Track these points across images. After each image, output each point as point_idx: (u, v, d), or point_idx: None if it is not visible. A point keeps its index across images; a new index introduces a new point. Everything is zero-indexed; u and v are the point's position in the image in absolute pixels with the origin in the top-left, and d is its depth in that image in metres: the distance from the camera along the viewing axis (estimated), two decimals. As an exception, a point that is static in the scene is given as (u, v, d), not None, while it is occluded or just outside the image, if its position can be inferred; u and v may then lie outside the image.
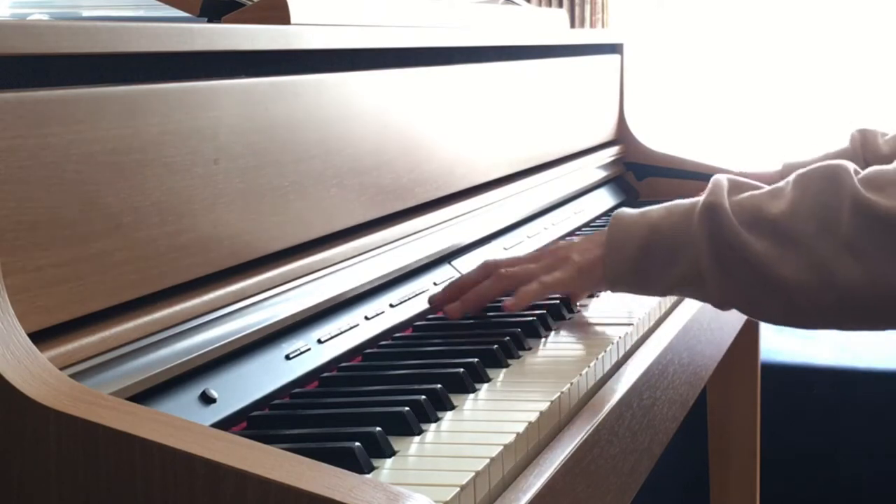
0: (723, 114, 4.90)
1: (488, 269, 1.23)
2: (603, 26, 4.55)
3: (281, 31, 1.07)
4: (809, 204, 1.08)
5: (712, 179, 1.16)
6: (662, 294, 1.20)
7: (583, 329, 1.22)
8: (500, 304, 1.28)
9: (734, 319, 1.68)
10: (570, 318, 1.25)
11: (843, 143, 1.68)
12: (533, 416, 0.91)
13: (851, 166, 1.10)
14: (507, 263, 1.24)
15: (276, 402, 0.95)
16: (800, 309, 1.09)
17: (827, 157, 1.61)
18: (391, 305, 1.17)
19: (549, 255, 1.24)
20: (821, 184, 1.09)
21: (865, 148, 1.61)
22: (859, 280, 1.06)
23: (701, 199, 1.13)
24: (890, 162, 1.12)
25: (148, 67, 0.89)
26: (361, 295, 1.14)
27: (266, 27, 1.05)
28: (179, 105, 0.91)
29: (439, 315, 1.24)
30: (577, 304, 1.29)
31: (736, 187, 1.14)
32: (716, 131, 4.82)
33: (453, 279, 1.27)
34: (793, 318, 1.13)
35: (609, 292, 1.25)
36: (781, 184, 1.12)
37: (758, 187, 1.14)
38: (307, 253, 1.07)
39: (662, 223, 1.15)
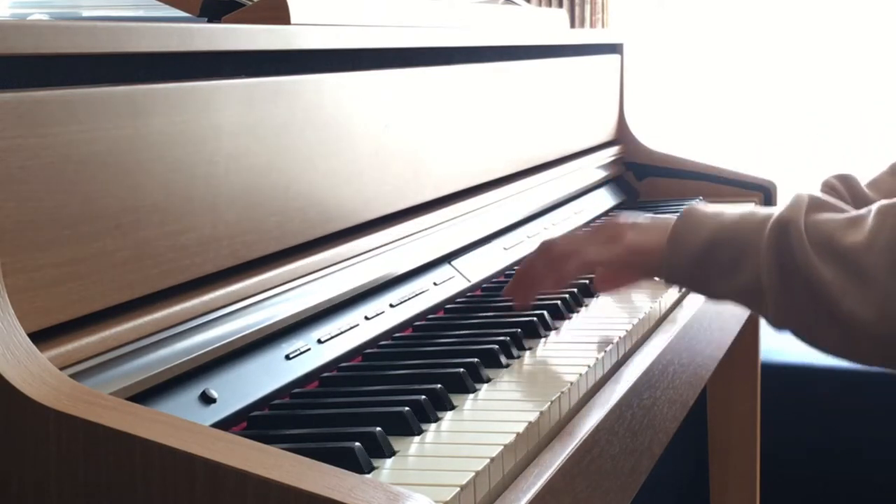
0: (723, 114, 4.90)
1: (543, 250, 1.22)
2: (603, 26, 4.55)
3: (281, 31, 1.07)
4: (886, 239, 1.03)
5: (794, 195, 1.11)
6: (718, 298, 1.15)
7: (583, 329, 1.22)
8: (500, 304, 1.28)
9: (734, 319, 1.68)
10: (570, 318, 1.25)
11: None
12: (533, 416, 0.91)
13: None
14: (561, 241, 1.22)
15: (276, 402, 0.95)
16: (857, 343, 1.05)
17: None
18: (391, 305, 1.17)
19: (601, 231, 1.20)
20: None
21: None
22: None
23: (777, 211, 1.09)
24: None
25: (148, 67, 0.89)
26: (361, 295, 1.14)
27: (266, 27, 1.05)
28: (179, 105, 0.91)
29: (439, 315, 1.24)
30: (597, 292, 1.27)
31: (816, 206, 1.09)
32: (716, 131, 4.82)
33: (517, 269, 1.25)
34: (847, 352, 1.09)
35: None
36: (863, 211, 1.08)
37: (840, 209, 1.10)
38: (307, 253, 1.07)
39: (733, 227, 1.10)
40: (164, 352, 0.86)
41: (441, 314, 1.25)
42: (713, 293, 1.14)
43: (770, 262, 1.07)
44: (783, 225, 1.07)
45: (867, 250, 1.03)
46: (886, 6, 4.68)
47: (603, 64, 2.06)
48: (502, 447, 0.84)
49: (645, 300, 1.32)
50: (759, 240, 1.08)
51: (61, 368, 0.74)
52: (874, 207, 1.07)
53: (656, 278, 1.21)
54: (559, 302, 1.25)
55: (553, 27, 2.00)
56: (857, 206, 1.48)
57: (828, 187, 1.52)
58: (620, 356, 1.16)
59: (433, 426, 0.90)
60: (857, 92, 4.73)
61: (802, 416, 2.35)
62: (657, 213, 1.70)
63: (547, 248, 1.22)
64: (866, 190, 1.50)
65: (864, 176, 1.52)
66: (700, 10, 4.91)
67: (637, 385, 1.10)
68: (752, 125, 4.87)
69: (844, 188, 1.50)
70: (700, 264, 1.11)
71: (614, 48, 2.13)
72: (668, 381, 1.23)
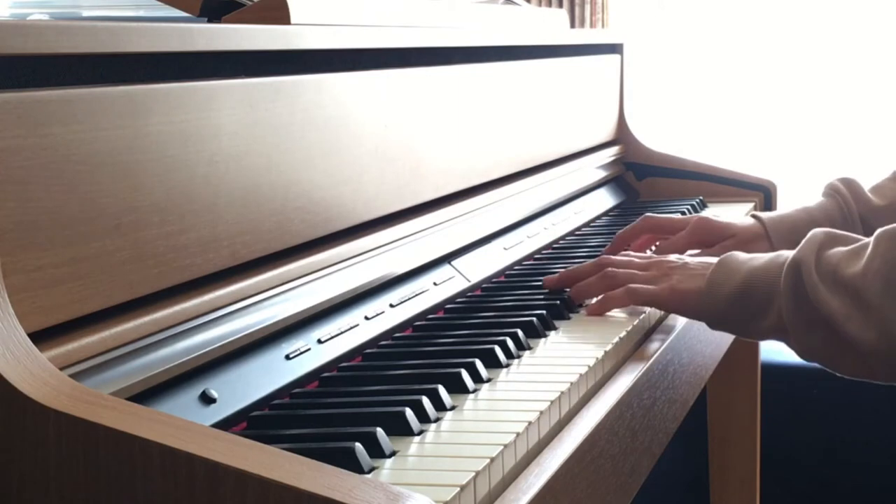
0: (723, 114, 4.90)
1: (600, 264, 1.29)
2: (603, 26, 4.55)
3: (281, 31, 1.07)
4: (878, 265, 1.10)
5: (810, 233, 1.18)
6: (755, 339, 1.25)
7: (583, 329, 1.22)
8: (500, 304, 1.28)
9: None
10: (570, 319, 1.25)
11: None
12: (533, 416, 0.91)
13: None
14: (618, 263, 1.29)
15: (276, 402, 0.95)
16: (870, 366, 1.12)
17: None
18: (391, 305, 1.17)
19: (656, 266, 1.27)
20: (888, 244, 1.10)
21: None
22: None
23: (793, 253, 1.16)
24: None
25: (148, 67, 0.89)
26: (361, 295, 1.14)
27: (266, 27, 1.05)
28: (179, 105, 0.91)
29: (439, 315, 1.24)
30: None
31: (830, 241, 1.16)
32: (716, 132, 4.82)
33: (569, 268, 1.32)
34: (866, 375, 1.15)
35: None
36: (867, 240, 1.14)
37: (855, 240, 1.16)
38: (307, 253, 1.07)
39: (760, 271, 1.18)
40: (164, 352, 0.86)
41: (441, 314, 1.25)
42: (750, 334, 1.22)
43: (787, 301, 1.15)
44: (796, 264, 1.15)
45: (863, 276, 1.10)
46: (886, 6, 4.68)
47: (603, 64, 2.06)
48: (502, 447, 0.84)
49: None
50: (779, 281, 1.16)
51: (61, 368, 0.74)
52: (874, 235, 1.13)
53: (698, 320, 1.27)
54: (559, 302, 1.25)
55: (553, 27, 2.00)
56: (861, 210, 1.49)
57: (831, 190, 1.52)
58: (620, 356, 1.16)
59: (433, 426, 0.90)
60: (857, 92, 4.74)
61: (802, 416, 2.35)
62: (657, 213, 1.71)
63: (602, 265, 1.29)
64: (869, 195, 1.51)
65: (868, 180, 1.53)
66: (700, 11, 4.92)
67: (637, 385, 1.10)
68: (752, 125, 4.87)
69: (848, 192, 1.51)
70: (734, 309, 1.19)
71: (614, 48, 2.13)
72: (668, 381, 1.23)
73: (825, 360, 1.16)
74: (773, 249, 1.47)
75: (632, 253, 1.37)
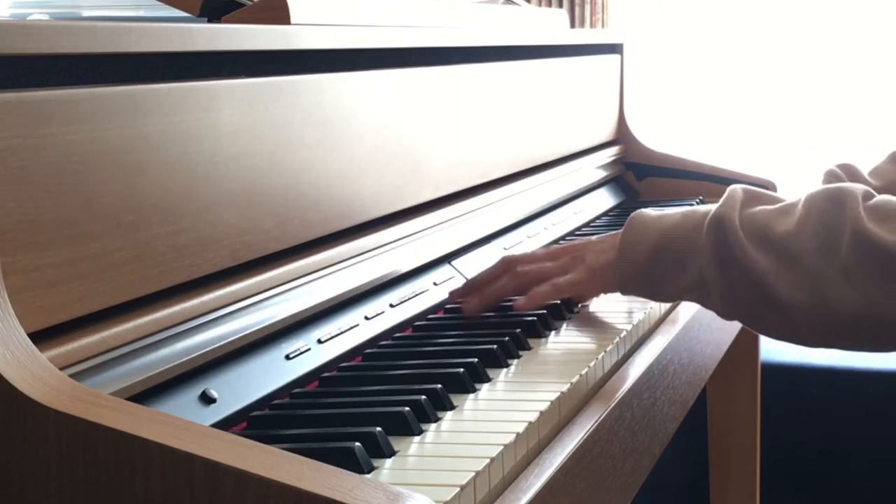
0: (723, 114, 4.90)
1: (506, 265, 1.25)
2: (603, 26, 4.55)
3: (281, 31, 1.07)
4: (813, 225, 1.09)
5: (728, 189, 1.16)
6: (671, 300, 1.20)
7: (583, 329, 1.22)
8: (500, 304, 1.28)
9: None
10: (570, 318, 1.25)
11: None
12: (533, 416, 0.91)
13: (861, 190, 1.10)
14: (524, 260, 1.25)
15: (276, 402, 0.95)
16: (797, 327, 1.11)
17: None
18: (391, 305, 1.17)
19: (564, 254, 1.24)
20: (826, 205, 1.09)
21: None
22: (852, 306, 1.06)
23: (713, 208, 1.14)
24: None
25: (148, 67, 0.89)
26: (361, 295, 1.14)
27: (266, 27, 1.05)
28: (179, 105, 0.91)
29: (439, 315, 1.24)
30: (581, 304, 1.29)
31: (751, 199, 1.14)
32: (716, 132, 4.82)
33: (473, 276, 1.28)
34: (791, 336, 1.14)
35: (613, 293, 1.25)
36: (794, 200, 1.13)
37: (775, 200, 1.15)
38: (307, 253, 1.07)
39: (675, 230, 1.15)
40: (164, 352, 0.86)
41: (441, 314, 1.25)
42: (665, 296, 1.19)
43: (710, 258, 1.12)
44: (719, 220, 1.12)
45: (797, 237, 1.09)
46: (886, 6, 4.68)
47: (603, 64, 2.06)
48: (502, 447, 0.84)
49: (644, 300, 1.32)
50: (699, 237, 1.13)
51: (61, 368, 0.74)
52: (803, 196, 1.12)
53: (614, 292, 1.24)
54: (560, 302, 1.25)
55: (553, 27, 2.00)
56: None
57: (830, 176, 1.52)
58: (620, 356, 1.16)
59: (433, 426, 0.90)
60: (857, 91, 4.73)
61: (802, 416, 2.35)
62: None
63: (509, 266, 1.25)
64: (868, 177, 1.51)
65: (866, 165, 1.53)
66: (700, 11, 4.91)
67: (637, 385, 1.10)
68: (752, 125, 4.87)
69: (847, 177, 1.50)
70: (649, 269, 1.17)
71: (614, 48, 2.13)
72: (668, 381, 1.23)
73: (749, 319, 1.14)
74: None
75: (533, 250, 1.32)
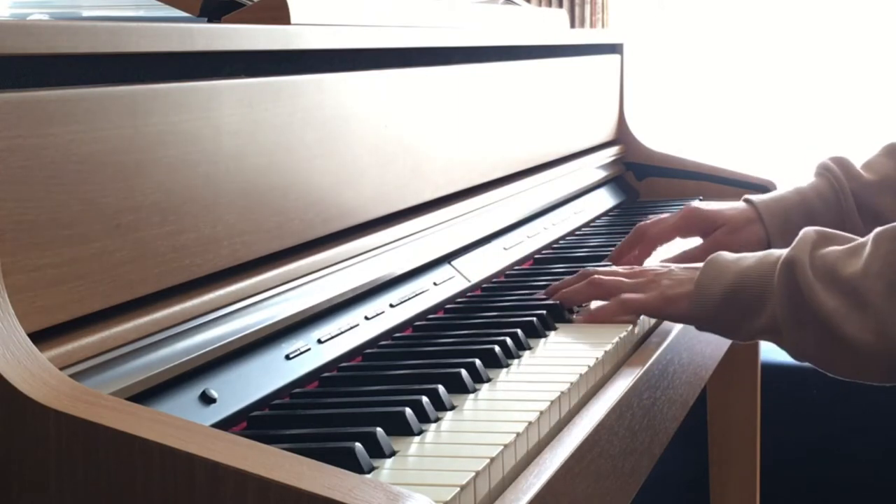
0: (723, 114, 4.90)
1: (584, 273, 1.28)
2: (603, 26, 4.55)
3: (281, 31, 1.07)
4: (880, 265, 1.09)
5: (801, 232, 1.17)
6: (746, 340, 1.21)
7: (583, 329, 1.22)
8: (500, 304, 1.28)
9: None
10: (570, 319, 1.25)
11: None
12: (533, 416, 0.91)
13: None
14: (603, 271, 1.28)
15: (276, 402, 0.95)
16: (867, 367, 1.11)
17: None
18: (391, 305, 1.17)
19: (643, 275, 1.25)
20: (891, 245, 1.09)
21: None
22: None
23: (785, 252, 1.15)
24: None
25: (148, 67, 0.89)
26: (361, 295, 1.14)
27: (266, 27, 1.05)
28: (179, 105, 0.91)
29: (439, 315, 1.24)
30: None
31: (823, 240, 1.15)
32: (716, 131, 4.82)
33: (553, 284, 1.30)
34: (862, 376, 1.14)
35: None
36: (864, 240, 1.13)
37: (847, 239, 1.15)
38: (307, 253, 1.07)
39: (750, 271, 1.17)
40: (164, 352, 0.86)
41: (441, 314, 1.25)
42: (740, 335, 1.20)
43: (782, 300, 1.13)
44: (790, 264, 1.13)
45: (863, 277, 1.09)
46: (886, 6, 4.67)
47: (603, 64, 2.06)
48: (502, 447, 0.84)
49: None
50: (772, 280, 1.14)
51: (61, 368, 0.74)
52: (872, 235, 1.12)
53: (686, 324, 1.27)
54: (559, 302, 1.25)
55: (553, 27, 2.00)
56: (853, 186, 1.49)
57: (823, 169, 1.52)
58: (621, 356, 1.16)
59: (433, 426, 0.90)
60: (856, 91, 4.73)
61: (802, 416, 2.35)
62: (657, 213, 1.71)
63: (587, 274, 1.28)
64: (861, 171, 1.51)
65: (860, 158, 1.53)
66: (700, 11, 4.91)
67: (637, 385, 1.10)
68: (752, 125, 4.87)
69: (839, 169, 1.50)
70: (724, 310, 1.18)
71: (614, 48, 2.13)
72: (668, 381, 1.23)
73: (819, 360, 1.15)
74: (767, 233, 1.47)
75: (615, 266, 1.35)
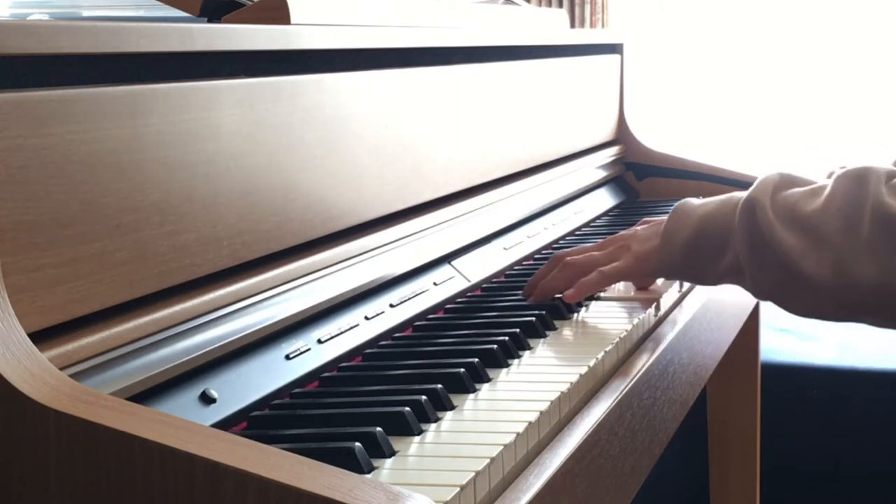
0: (723, 114, 4.90)
1: (555, 259, 1.29)
2: (603, 26, 4.55)
3: (281, 31, 1.07)
4: (837, 203, 1.12)
5: (763, 174, 1.20)
6: (713, 283, 1.24)
7: (583, 329, 1.22)
8: (500, 304, 1.28)
9: (734, 319, 1.68)
10: (570, 318, 1.25)
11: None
12: (533, 416, 0.91)
13: (885, 170, 1.12)
14: (573, 252, 1.30)
15: (276, 402, 0.95)
16: (823, 304, 1.14)
17: None
18: (391, 305, 1.17)
19: (611, 244, 1.29)
20: (850, 184, 1.12)
21: None
22: (874, 279, 1.09)
23: (746, 193, 1.18)
24: None
25: (148, 67, 0.89)
26: (361, 295, 1.14)
27: (266, 27, 1.05)
28: (179, 105, 0.91)
29: (439, 315, 1.24)
30: (635, 289, 1.34)
31: (785, 182, 1.18)
32: (716, 131, 4.82)
33: (530, 280, 1.31)
34: (819, 313, 1.17)
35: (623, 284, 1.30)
36: (824, 181, 1.16)
37: (809, 182, 1.18)
38: (307, 253, 1.07)
39: (713, 215, 1.20)
40: (164, 352, 0.86)
41: (441, 314, 1.25)
42: (706, 279, 1.24)
43: (743, 240, 1.16)
44: (750, 204, 1.17)
45: (822, 215, 1.12)
46: (886, 6, 4.68)
47: (603, 64, 2.06)
48: (502, 447, 0.84)
49: (643, 302, 1.32)
50: (734, 221, 1.18)
51: (61, 368, 0.74)
52: (833, 176, 1.15)
53: (660, 278, 1.30)
54: (559, 302, 1.25)
55: (553, 27, 2.00)
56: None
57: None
58: (620, 356, 1.16)
59: (433, 426, 0.90)
60: (856, 91, 4.74)
61: (802, 416, 2.35)
62: (657, 213, 1.71)
63: (558, 259, 1.29)
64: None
65: (859, 158, 1.53)
66: (700, 10, 4.91)
67: (637, 385, 1.10)
68: (752, 125, 4.87)
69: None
70: (690, 256, 1.21)
71: (614, 48, 2.13)
72: (668, 381, 1.23)
73: (779, 298, 1.17)
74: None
75: (582, 245, 1.36)
